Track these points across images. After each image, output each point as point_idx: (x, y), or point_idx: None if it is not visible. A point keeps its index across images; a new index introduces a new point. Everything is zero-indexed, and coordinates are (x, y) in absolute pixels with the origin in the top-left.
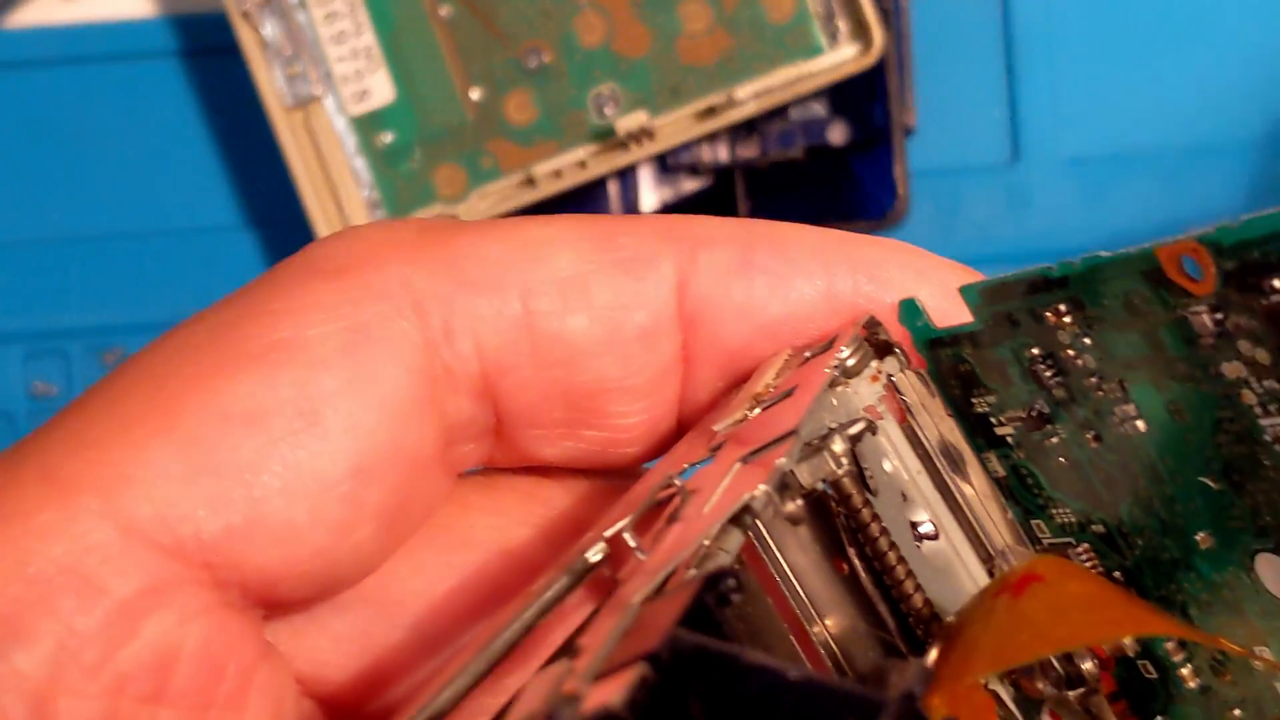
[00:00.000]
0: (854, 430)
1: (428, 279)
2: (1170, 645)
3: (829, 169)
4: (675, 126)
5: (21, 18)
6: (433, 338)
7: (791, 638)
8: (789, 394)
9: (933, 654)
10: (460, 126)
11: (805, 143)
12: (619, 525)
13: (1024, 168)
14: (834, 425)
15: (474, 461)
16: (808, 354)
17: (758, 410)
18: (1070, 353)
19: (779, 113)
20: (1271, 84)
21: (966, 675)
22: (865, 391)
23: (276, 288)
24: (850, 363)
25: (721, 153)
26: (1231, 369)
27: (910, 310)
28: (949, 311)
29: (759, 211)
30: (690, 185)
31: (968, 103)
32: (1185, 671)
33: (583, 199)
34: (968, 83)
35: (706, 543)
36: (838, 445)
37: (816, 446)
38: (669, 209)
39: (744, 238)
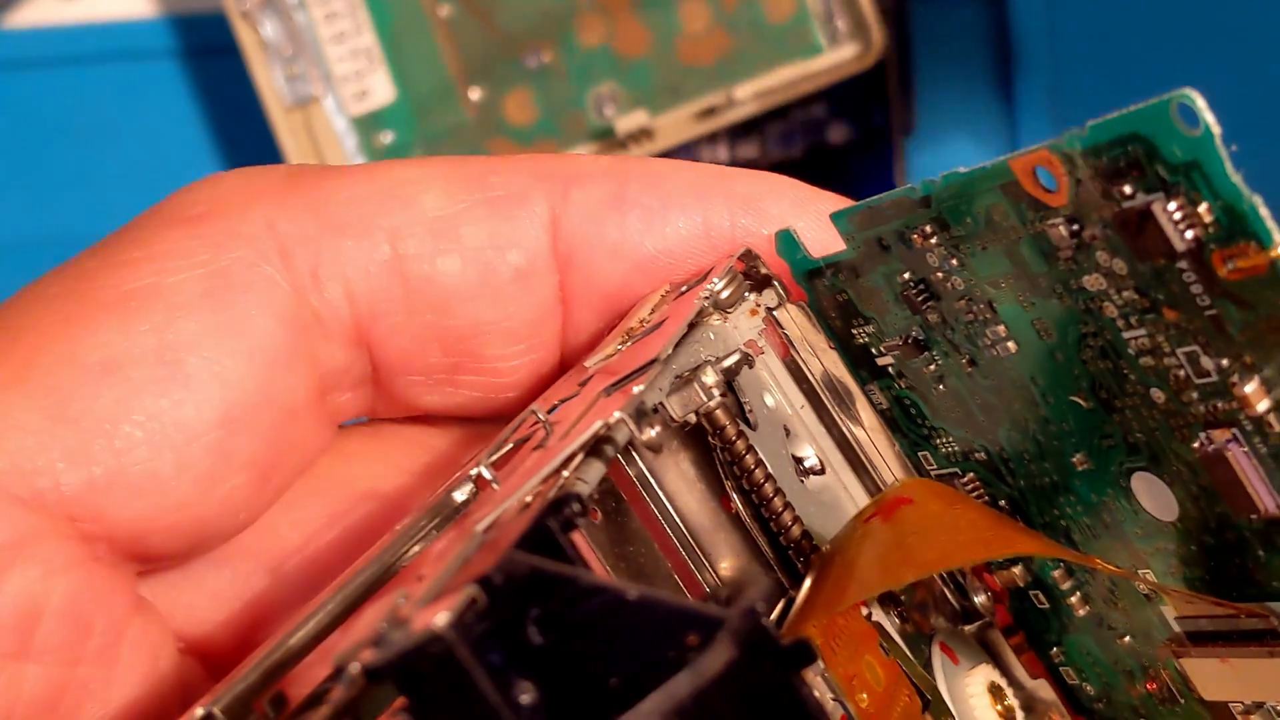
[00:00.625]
0: (728, 363)
1: (293, 223)
2: (1058, 574)
3: (829, 169)
4: (675, 126)
5: (21, 18)
6: (300, 283)
7: (676, 576)
8: (658, 327)
9: (807, 580)
10: (460, 126)
11: (805, 143)
12: (479, 464)
13: None
14: (709, 358)
15: (354, 412)
16: (684, 288)
17: (629, 344)
18: (939, 275)
19: (779, 113)
20: (1270, 84)
21: (841, 603)
22: (745, 325)
23: (136, 236)
24: (725, 295)
25: (721, 153)
26: (1091, 281)
27: (787, 241)
28: (827, 243)
29: None
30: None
31: (968, 103)
32: (1074, 600)
33: None
34: (968, 83)
35: (565, 474)
36: (709, 376)
37: (687, 378)
38: None
39: (617, 173)
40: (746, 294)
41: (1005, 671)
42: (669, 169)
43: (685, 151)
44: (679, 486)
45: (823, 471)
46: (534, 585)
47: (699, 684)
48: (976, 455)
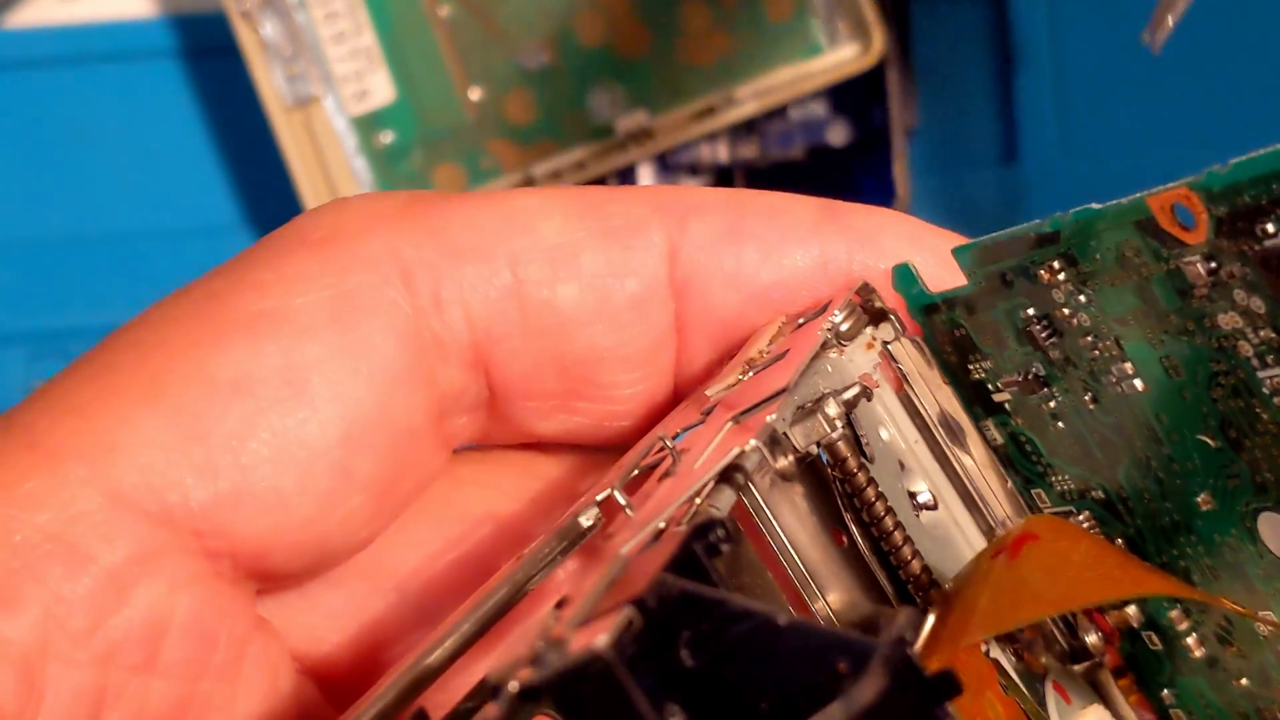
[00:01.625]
0: (849, 395)
1: (415, 248)
2: (1175, 614)
3: (829, 169)
4: (675, 126)
5: (21, 18)
6: (421, 306)
7: (790, 608)
8: (781, 358)
9: (931, 618)
10: (460, 126)
11: (805, 143)
12: (609, 488)
13: (1023, 168)
14: (828, 390)
15: (469, 436)
16: (801, 320)
17: (750, 375)
18: (1065, 311)
19: (779, 113)
20: (1270, 82)
21: (964, 638)
22: (860, 359)
23: (263, 258)
24: (844, 327)
25: (721, 153)
26: (1227, 320)
27: (904, 276)
28: (943, 278)
29: None
30: (690, 185)
31: (968, 103)
32: (1190, 641)
33: None
34: (968, 83)
35: (699, 500)
36: (831, 408)
37: (810, 409)
38: None
39: (735, 205)
40: (863, 327)
41: (1116, 713)
42: (786, 202)
43: (685, 151)
44: (792, 518)
45: (935, 507)
46: (685, 608)
47: (852, 712)
48: (1094, 494)
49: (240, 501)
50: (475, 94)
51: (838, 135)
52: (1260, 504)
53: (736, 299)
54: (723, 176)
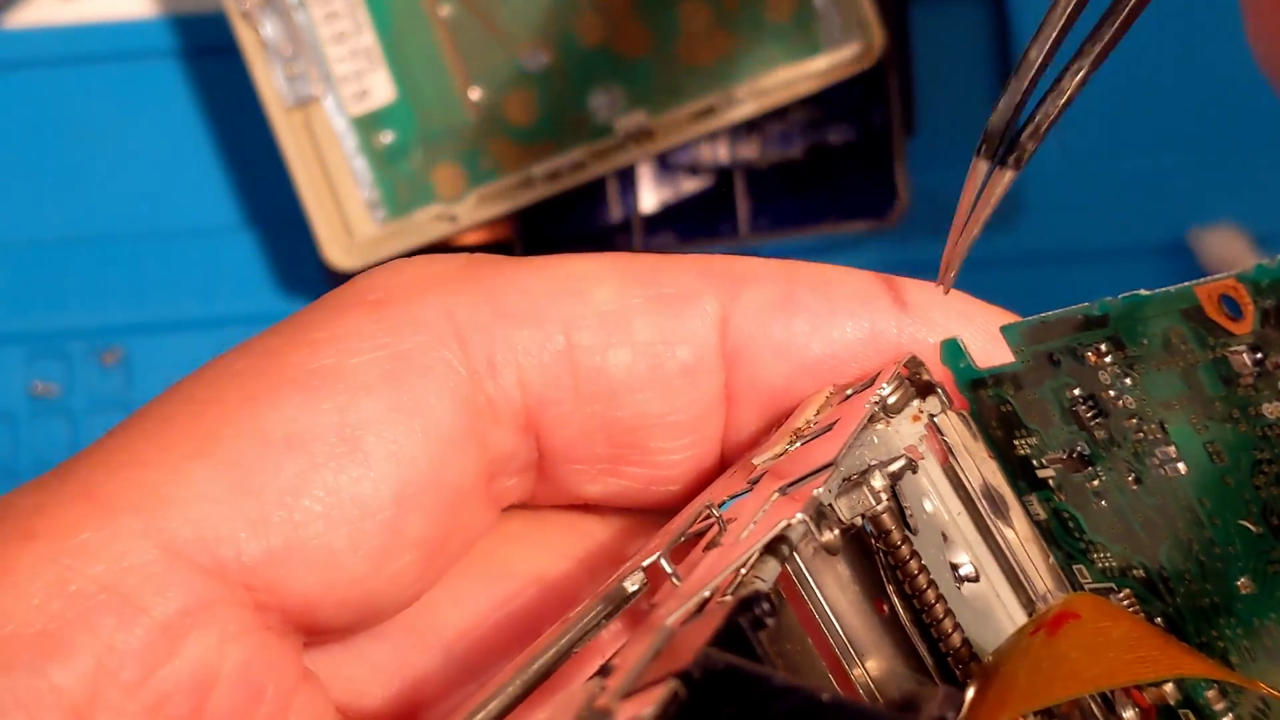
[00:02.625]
0: (894, 467)
1: (470, 311)
2: (1211, 694)
3: (829, 169)
4: (674, 126)
5: (21, 18)
6: (475, 369)
7: (830, 675)
8: (829, 429)
9: (970, 692)
10: (460, 126)
11: (805, 143)
12: (656, 554)
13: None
14: (874, 461)
15: (518, 497)
16: (849, 391)
17: (798, 445)
18: (1111, 393)
19: (779, 113)
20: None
21: (1002, 713)
22: (906, 431)
23: (320, 317)
24: (891, 400)
25: (721, 153)
26: (1271, 409)
27: (952, 350)
28: (991, 353)
29: (759, 211)
30: (690, 185)
31: (967, 103)
32: None
33: (582, 199)
34: (967, 83)
35: (744, 570)
36: (877, 481)
37: (856, 481)
38: (669, 209)
39: (786, 276)
40: (911, 400)
41: None
42: (838, 275)
43: (685, 151)
44: (834, 585)
45: (977, 579)
46: (730, 683)
47: None
48: (1134, 572)
49: (292, 557)
50: (475, 94)
51: (838, 135)
52: None
53: (786, 369)
54: (723, 176)
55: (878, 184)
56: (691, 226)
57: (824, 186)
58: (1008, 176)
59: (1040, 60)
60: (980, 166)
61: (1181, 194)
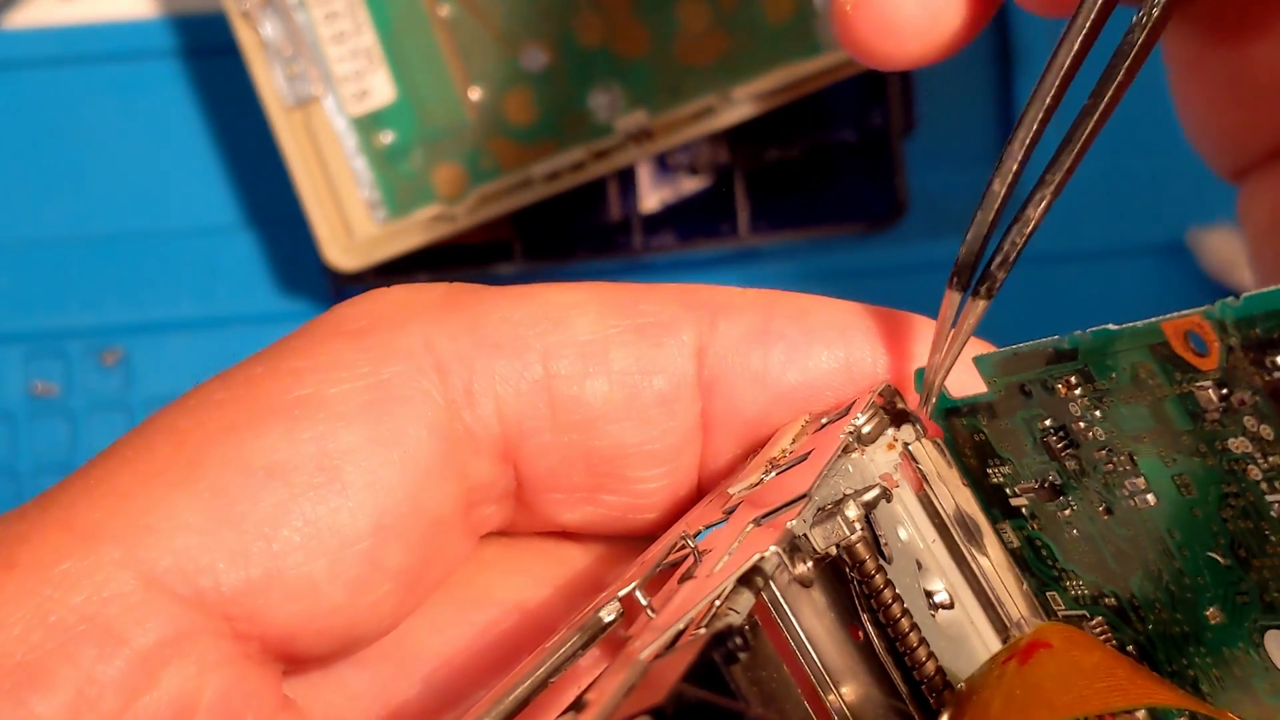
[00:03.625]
0: (868, 496)
1: (450, 340)
2: None
3: (829, 169)
4: (674, 126)
5: (21, 18)
6: (454, 398)
7: (805, 703)
8: (804, 459)
9: (944, 718)
10: (460, 126)
11: (805, 143)
12: (631, 585)
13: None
14: (849, 491)
15: (495, 525)
16: (825, 420)
17: (773, 474)
18: (1081, 424)
19: (779, 113)
20: None
21: None
22: (881, 459)
23: (300, 346)
24: (866, 429)
25: (721, 153)
26: (1237, 444)
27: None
28: (966, 382)
29: (759, 212)
30: (690, 185)
31: (967, 103)
32: None
33: (582, 199)
34: (967, 83)
35: (718, 602)
36: (851, 510)
37: (830, 511)
38: (669, 209)
39: (764, 306)
40: (885, 428)
41: None
42: (813, 304)
43: (685, 151)
44: (809, 612)
45: (952, 606)
46: (702, 719)
47: None
48: (1106, 600)
49: (271, 587)
50: (475, 94)
51: (838, 135)
52: (1268, 622)
53: (762, 398)
54: (723, 176)
55: (877, 184)
56: (691, 226)
57: (824, 187)
58: (980, 306)
59: (1004, 193)
60: (953, 297)
61: (1181, 194)
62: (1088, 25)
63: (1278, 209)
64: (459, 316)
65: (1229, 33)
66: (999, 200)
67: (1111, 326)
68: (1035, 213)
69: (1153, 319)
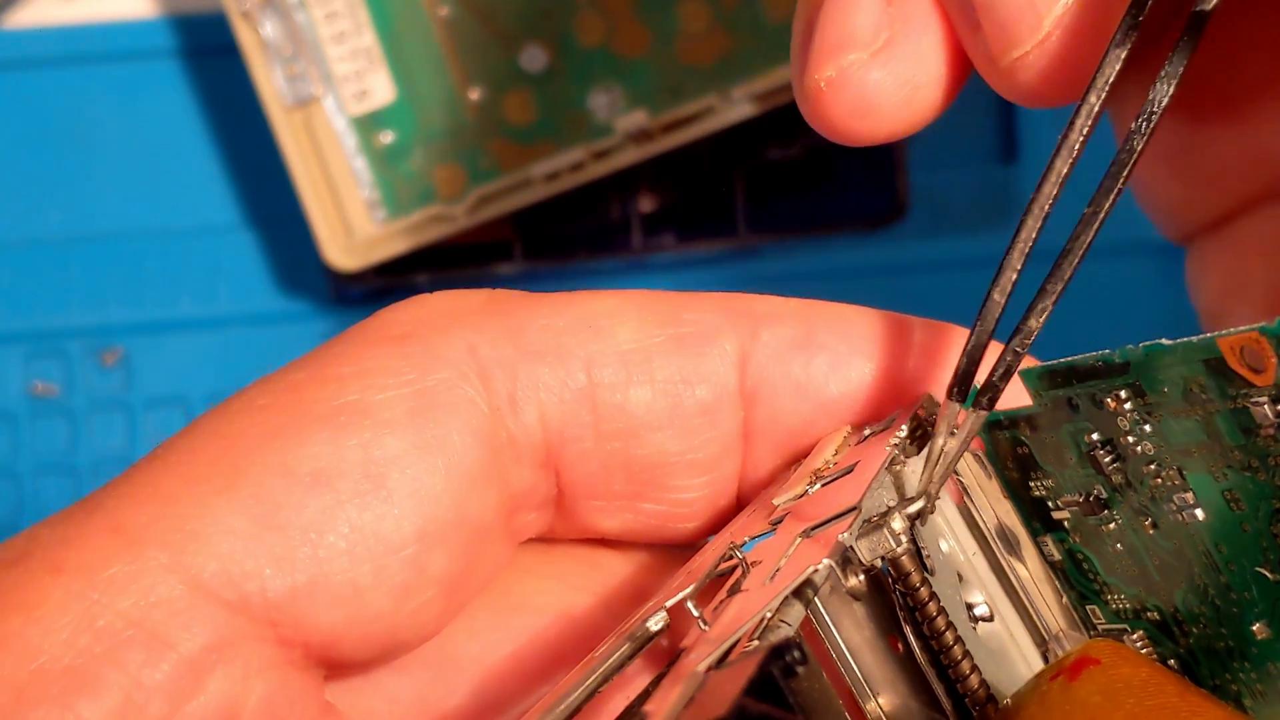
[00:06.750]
0: (913, 509)
1: (493, 347)
2: None
3: (829, 169)
4: (675, 126)
5: (21, 18)
6: (497, 405)
7: (847, 715)
8: (849, 470)
9: None
10: (460, 126)
11: (805, 143)
12: (681, 595)
13: (1022, 168)
14: (893, 503)
15: (535, 531)
16: (867, 431)
17: (818, 486)
18: (1129, 439)
19: (779, 113)
20: None
21: None
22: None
23: (344, 352)
24: (910, 442)
25: (720, 153)
26: None
27: (971, 391)
28: (1007, 395)
29: (759, 212)
30: (690, 185)
31: (966, 103)
32: None
33: (582, 199)
34: (967, 83)
35: (769, 615)
36: (897, 523)
37: (876, 523)
38: (668, 210)
39: (807, 316)
40: (928, 440)
41: None
42: (855, 314)
43: (685, 151)
44: (849, 622)
45: (992, 619)
46: None
47: None
48: (1148, 614)
49: (315, 593)
50: (475, 94)
51: None
52: None
53: (804, 408)
54: (722, 176)
55: (878, 184)
56: (691, 226)
57: (824, 186)
58: (981, 416)
59: (1003, 302)
60: (953, 407)
61: None
62: (1084, 134)
63: (1228, 278)
64: (501, 323)
65: (1176, 113)
66: (998, 310)
67: (1165, 341)
68: (1037, 324)
69: (1208, 334)
